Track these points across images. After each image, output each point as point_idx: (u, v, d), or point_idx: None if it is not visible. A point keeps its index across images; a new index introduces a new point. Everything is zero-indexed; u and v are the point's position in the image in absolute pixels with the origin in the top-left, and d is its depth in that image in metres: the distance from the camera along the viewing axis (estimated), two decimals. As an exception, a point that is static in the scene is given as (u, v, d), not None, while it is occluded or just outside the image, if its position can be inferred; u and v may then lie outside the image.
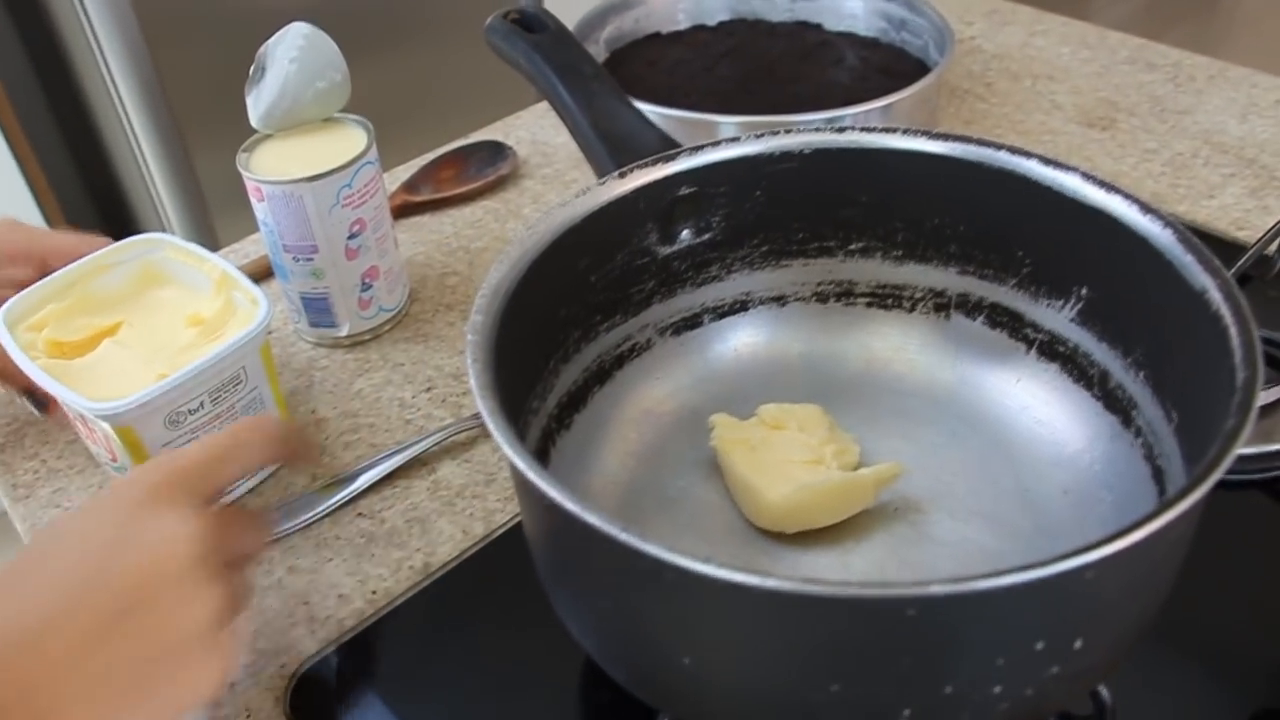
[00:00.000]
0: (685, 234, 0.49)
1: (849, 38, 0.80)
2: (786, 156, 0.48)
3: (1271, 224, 0.68)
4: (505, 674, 0.47)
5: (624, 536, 0.30)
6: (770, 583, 0.29)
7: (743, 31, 0.82)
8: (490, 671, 0.47)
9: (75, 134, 1.41)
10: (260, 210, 0.61)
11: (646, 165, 0.47)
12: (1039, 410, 0.48)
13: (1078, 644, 0.32)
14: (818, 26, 0.82)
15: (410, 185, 0.77)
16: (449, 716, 0.46)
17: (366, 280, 0.64)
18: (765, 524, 0.45)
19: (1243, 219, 0.71)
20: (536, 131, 0.85)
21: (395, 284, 0.66)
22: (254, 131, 0.62)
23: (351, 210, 0.61)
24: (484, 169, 0.77)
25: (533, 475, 0.32)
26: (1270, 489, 0.53)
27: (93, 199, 1.49)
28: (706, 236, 0.50)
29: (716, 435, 0.47)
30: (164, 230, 1.09)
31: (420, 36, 1.37)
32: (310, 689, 0.48)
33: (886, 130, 0.47)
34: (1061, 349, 0.48)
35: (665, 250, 0.49)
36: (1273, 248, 0.65)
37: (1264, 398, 0.55)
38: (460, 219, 0.76)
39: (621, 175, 0.47)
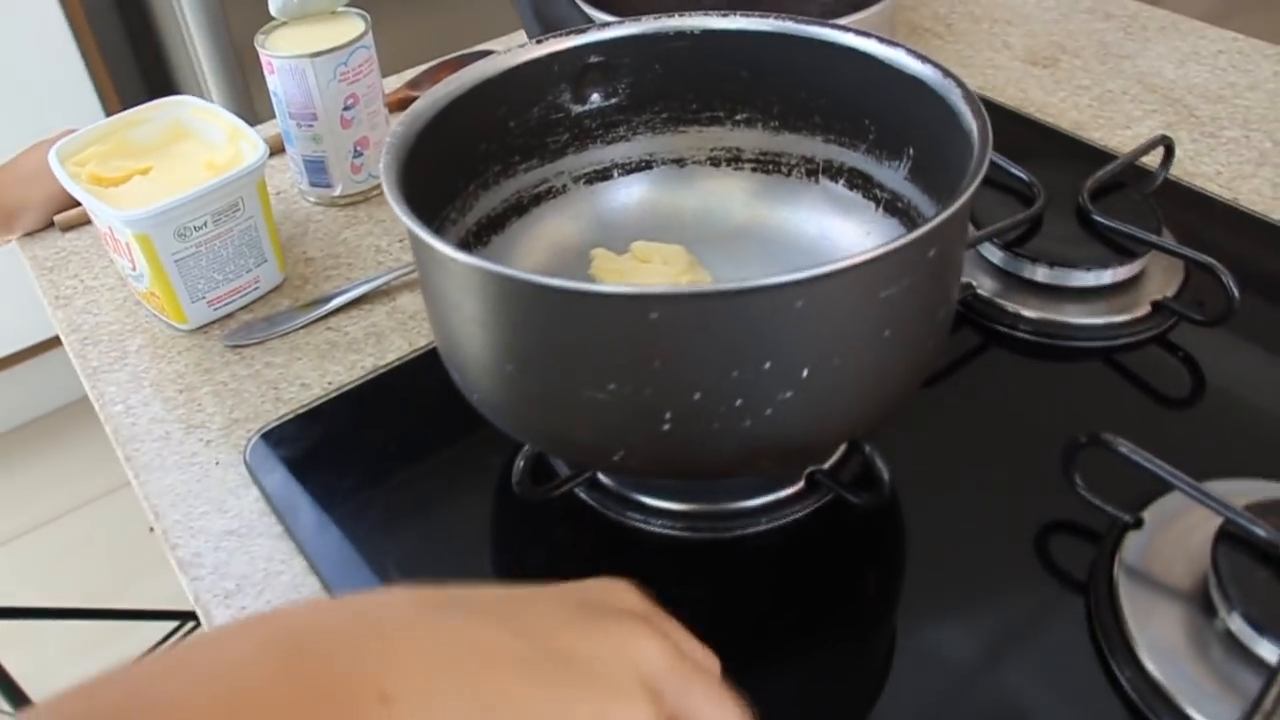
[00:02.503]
0: (595, 97, 0.60)
1: (815, -27, 0.89)
2: (680, 35, 0.58)
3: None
4: (425, 450, 0.58)
5: (430, 239, 0.41)
6: (536, 279, 0.39)
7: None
8: (413, 446, 0.58)
9: (128, 8, 1.56)
10: (272, 82, 0.73)
11: (560, 36, 0.57)
12: (878, 257, 0.58)
13: (805, 372, 0.42)
14: (788, -38, 0.91)
15: (414, 83, 0.88)
16: (373, 476, 0.57)
17: (358, 148, 0.75)
18: None
19: (1146, 145, 0.79)
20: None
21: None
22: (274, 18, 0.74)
23: (347, 85, 0.73)
24: (479, 73, 0.88)
25: (398, 209, 0.43)
26: (1108, 357, 0.62)
27: (142, 73, 1.64)
28: (614, 100, 0.60)
29: (594, 264, 0.57)
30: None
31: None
32: (267, 446, 0.59)
33: (759, 16, 0.57)
34: (900, 204, 0.57)
35: (578, 109, 0.60)
36: (1154, 164, 0.73)
37: (1109, 276, 0.63)
38: (452, 112, 0.87)
39: (539, 42, 0.57)
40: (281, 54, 0.71)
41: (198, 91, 1.39)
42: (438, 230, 0.53)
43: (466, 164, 0.56)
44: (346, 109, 0.73)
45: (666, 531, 0.52)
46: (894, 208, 0.58)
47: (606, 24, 0.58)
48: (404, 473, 0.57)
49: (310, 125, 0.74)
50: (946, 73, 0.51)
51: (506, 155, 0.58)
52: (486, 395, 0.47)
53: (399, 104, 0.86)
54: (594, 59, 0.58)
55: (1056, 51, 0.92)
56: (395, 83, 0.90)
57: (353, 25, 0.74)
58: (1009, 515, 0.52)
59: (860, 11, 0.78)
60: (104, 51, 1.58)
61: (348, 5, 0.75)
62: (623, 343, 0.41)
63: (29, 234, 0.78)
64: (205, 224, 0.65)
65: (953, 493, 0.54)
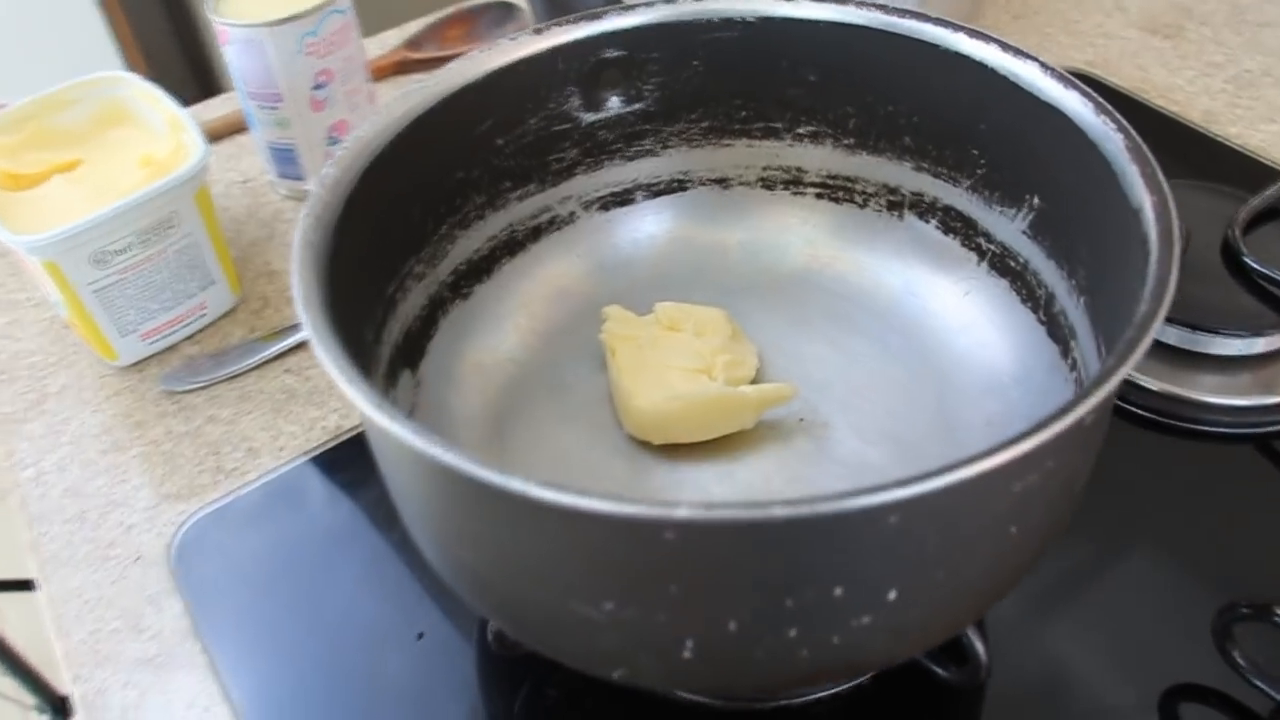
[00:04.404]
0: (614, 101, 0.45)
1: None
2: (728, 24, 0.43)
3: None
4: (381, 545, 0.46)
5: (348, 386, 0.27)
6: (513, 484, 0.26)
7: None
8: (369, 542, 0.46)
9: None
10: (226, 53, 0.59)
11: (567, 23, 0.43)
12: (981, 331, 0.43)
13: (891, 594, 0.28)
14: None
15: (414, 42, 0.74)
16: (325, 596, 0.45)
17: (334, 134, 0.62)
18: (632, 430, 0.42)
19: (1306, 147, 0.63)
20: (561, -7, 0.80)
21: None
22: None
23: (317, 60, 0.59)
24: (491, 29, 0.74)
25: (321, 350, 0.30)
26: (1264, 445, 0.48)
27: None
28: (638, 106, 0.46)
29: (606, 329, 0.44)
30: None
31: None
32: (199, 536, 0.47)
33: (838, 1, 0.42)
34: (1013, 264, 0.43)
35: (590, 117, 0.45)
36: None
37: (1263, 345, 0.49)
38: (456, 78, 0.72)
39: (537, 32, 0.43)
40: (234, 21, 0.57)
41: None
42: (395, 295, 0.40)
43: (437, 200, 0.43)
44: (318, 88, 0.60)
45: (692, 699, 0.40)
46: (1004, 265, 0.43)
47: (629, 7, 0.43)
48: (365, 595, 0.45)
49: (274, 108, 0.60)
50: (1101, 107, 0.36)
51: (494, 182, 0.44)
52: (443, 573, 0.34)
53: (394, 68, 0.71)
54: (612, 53, 0.44)
55: (1181, 17, 0.75)
56: (395, 38, 0.76)
57: None
58: (1133, 676, 0.39)
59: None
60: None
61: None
62: (624, 565, 0.28)
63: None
64: (129, 247, 0.52)
65: (1057, 641, 0.40)
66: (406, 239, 0.41)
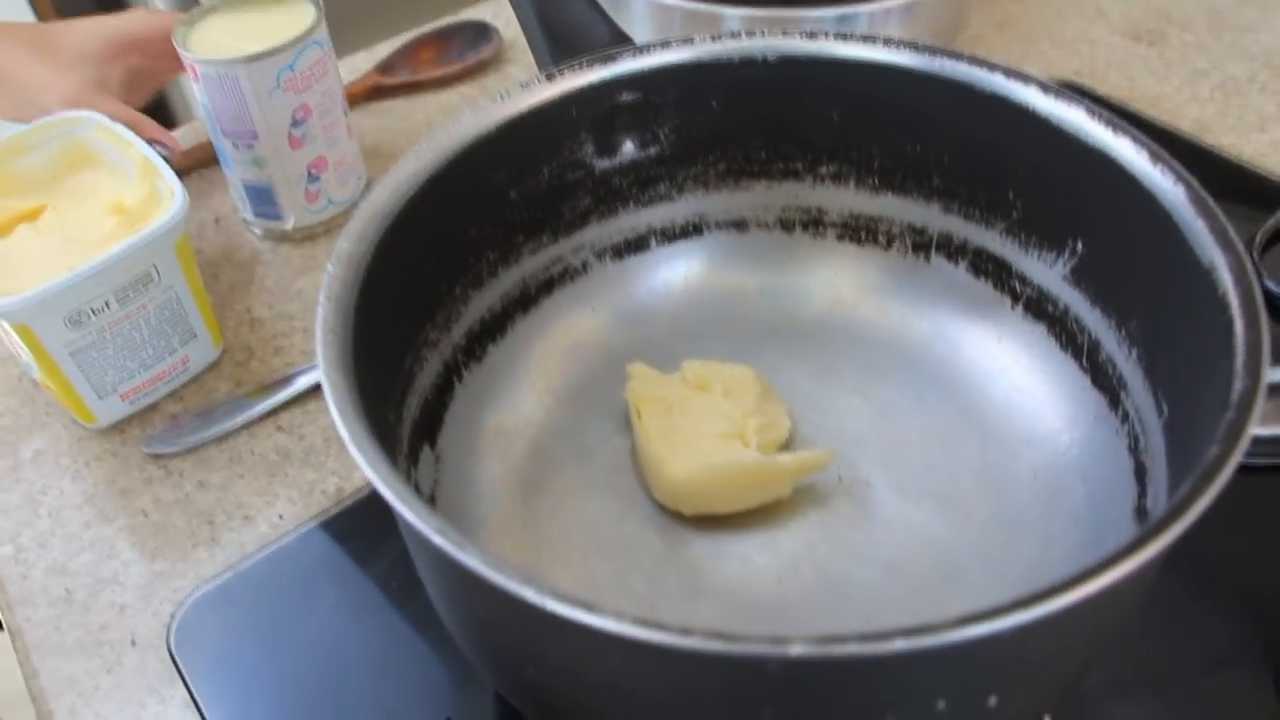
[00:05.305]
0: (628, 146, 0.43)
1: (884, -82, 0.71)
2: (747, 64, 0.41)
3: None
4: (399, 622, 0.44)
5: (435, 537, 0.25)
6: (594, 620, 0.23)
7: (767, -96, 0.73)
8: (385, 618, 0.44)
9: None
10: (197, 90, 0.56)
11: (580, 67, 0.40)
12: (1019, 376, 0.42)
13: (992, 701, 0.27)
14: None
15: (386, 66, 0.70)
16: (334, 660, 0.43)
17: (313, 171, 0.59)
18: (663, 499, 0.40)
19: (1300, 157, 0.63)
20: (535, 8, 0.77)
21: (348, 175, 0.61)
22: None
23: (294, 95, 0.55)
24: (465, 52, 0.71)
25: (351, 443, 0.27)
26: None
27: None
28: (653, 150, 0.43)
29: (631, 389, 0.42)
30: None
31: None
32: (198, 618, 0.45)
33: (865, 39, 0.40)
34: (1051, 308, 0.41)
35: (604, 164, 0.43)
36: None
37: (1294, 372, 0.48)
38: (435, 105, 0.69)
39: (549, 78, 0.40)
40: (205, 57, 0.54)
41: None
42: (412, 368, 0.38)
43: (450, 260, 0.40)
44: (295, 124, 0.56)
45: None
46: (1040, 309, 0.42)
47: (644, 48, 0.41)
48: (386, 679, 0.42)
49: (249, 146, 0.57)
50: (1157, 155, 0.34)
51: (506, 237, 0.42)
52: (500, 688, 0.32)
53: (367, 94, 0.68)
54: (627, 97, 0.42)
55: (1161, 22, 0.74)
56: (364, 62, 0.72)
57: (300, 13, 0.56)
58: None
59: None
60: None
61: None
62: (717, 695, 0.26)
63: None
64: (107, 305, 0.49)
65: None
66: (421, 306, 0.39)
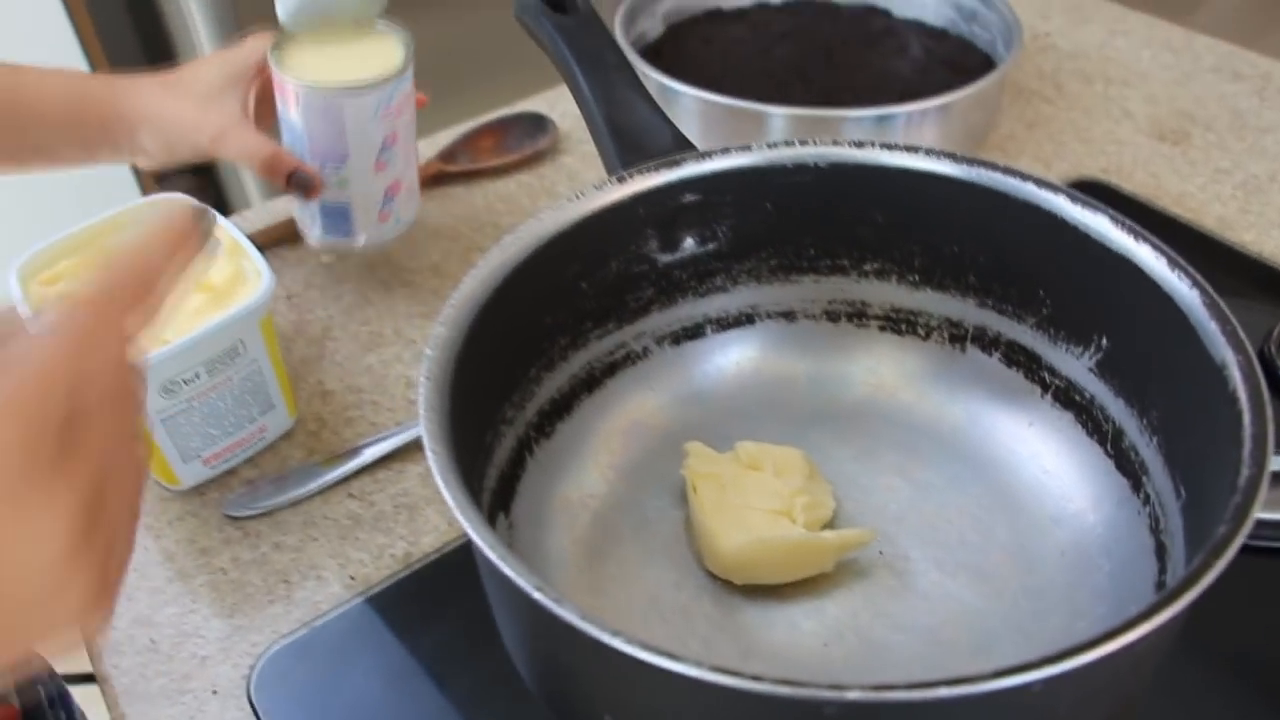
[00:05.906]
0: (688, 242, 0.47)
1: (916, 26, 0.76)
2: (800, 169, 0.45)
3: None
4: (469, 679, 0.46)
5: (534, 593, 0.29)
6: (676, 666, 0.27)
7: (807, 13, 0.79)
8: (456, 675, 0.47)
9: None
10: (290, 113, 0.59)
11: (648, 171, 0.45)
12: (1048, 460, 0.45)
13: (1021, 748, 0.30)
14: (885, 12, 0.78)
15: (447, 154, 0.75)
16: (403, 717, 0.45)
17: (390, 193, 0.62)
18: (715, 570, 0.43)
19: (1319, 255, 0.66)
20: (586, 102, 0.83)
21: (411, 196, 0.64)
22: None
23: (388, 124, 0.59)
24: (523, 141, 0.76)
25: (456, 509, 0.31)
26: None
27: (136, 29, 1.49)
28: (711, 246, 0.47)
29: (688, 465, 0.45)
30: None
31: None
32: (276, 670, 0.48)
33: (909, 149, 0.44)
34: (1078, 398, 0.45)
35: (666, 258, 0.47)
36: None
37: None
38: (493, 192, 0.74)
39: (620, 180, 0.44)
40: (309, 81, 0.57)
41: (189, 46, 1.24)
42: (491, 443, 0.41)
43: (528, 345, 0.44)
44: (384, 150, 0.60)
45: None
46: (1068, 399, 0.45)
47: (706, 154, 0.45)
48: (446, 724, 0.45)
49: (339, 168, 0.60)
50: (1174, 261, 0.38)
51: (576, 323, 0.46)
52: (557, 714, 0.35)
53: (430, 181, 0.73)
54: (690, 198, 0.46)
55: (1185, 122, 0.78)
56: (426, 149, 0.77)
57: (388, 46, 0.60)
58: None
59: (965, 87, 0.65)
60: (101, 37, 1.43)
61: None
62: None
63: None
64: (198, 376, 0.53)
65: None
66: (502, 386, 0.42)
